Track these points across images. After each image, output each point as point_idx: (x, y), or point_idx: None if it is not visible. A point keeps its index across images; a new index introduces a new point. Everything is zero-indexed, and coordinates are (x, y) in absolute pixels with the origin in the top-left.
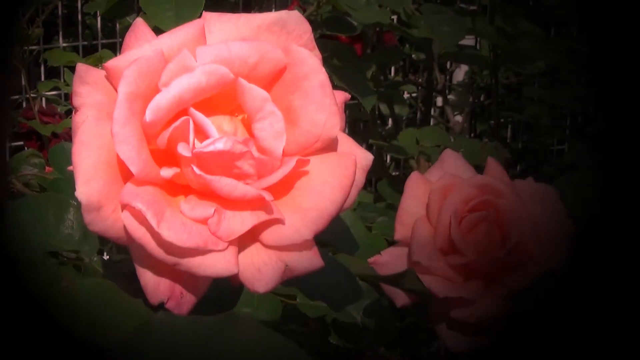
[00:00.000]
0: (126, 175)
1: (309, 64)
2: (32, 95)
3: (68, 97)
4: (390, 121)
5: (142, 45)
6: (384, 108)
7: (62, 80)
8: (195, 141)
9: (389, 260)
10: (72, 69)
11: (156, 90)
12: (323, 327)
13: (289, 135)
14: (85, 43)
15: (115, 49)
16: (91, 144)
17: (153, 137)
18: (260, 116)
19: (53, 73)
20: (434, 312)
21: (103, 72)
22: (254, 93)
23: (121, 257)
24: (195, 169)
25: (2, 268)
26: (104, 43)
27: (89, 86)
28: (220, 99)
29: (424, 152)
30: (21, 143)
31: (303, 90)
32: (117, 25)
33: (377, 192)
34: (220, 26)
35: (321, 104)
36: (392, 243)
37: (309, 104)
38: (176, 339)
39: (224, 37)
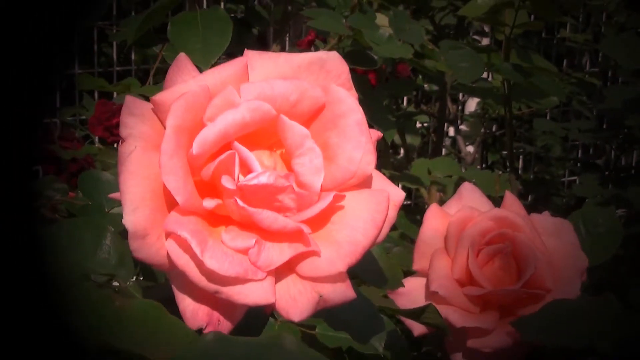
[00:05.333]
0: (170, 204)
1: (347, 103)
2: (52, 120)
3: (85, 122)
4: (402, 150)
5: (186, 80)
6: (396, 138)
7: (78, 105)
8: (239, 175)
9: (408, 290)
10: (90, 94)
11: (201, 124)
12: (338, 354)
13: (326, 171)
14: (101, 70)
15: (130, 76)
16: (138, 174)
17: (197, 168)
18: (300, 152)
19: (68, 98)
20: (450, 342)
21: (149, 105)
22: (295, 130)
23: (148, 283)
24: (239, 201)
25: (46, 288)
26: (119, 70)
27: (136, 118)
28: (259, 134)
29: (436, 182)
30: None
31: (341, 128)
32: (132, 53)
33: None
34: (262, 64)
35: (358, 141)
36: (406, 272)
37: (346, 141)
38: (226, 357)
39: (266, 75)
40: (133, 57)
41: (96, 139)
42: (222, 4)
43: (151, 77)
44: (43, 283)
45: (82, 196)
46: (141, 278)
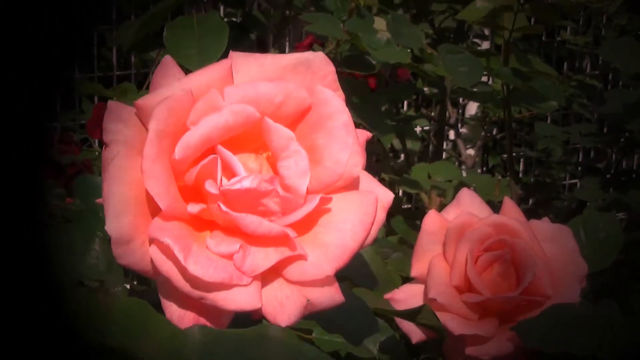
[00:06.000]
0: (154, 209)
1: (333, 104)
2: (52, 124)
3: (84, 126)
4: (402, 155)
5: (170, 83)
6: (395, 142)
7: (78, 109)
8: (223, 179)
9: (406, 297)
10: (90, 98)
11: (184, 128)
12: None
13: (312, 173)
14: (101, 74)
15: (129, 80)
16: (121, 179)
17: (181, 173)
18: (285, 155)
19: (68, 102)
20: (448, 349)
21: (133, 109)
22: (280, 132)
23: (142, 288)
24: (222, 206)
25: (40, 291)
26: (119, 75)
27: (119, 123)
28: (245, 137)
29: (436, 187)
30: None
31: (327, 130)
32: (132, 57)
33: (389, 225)
34: (247, 66)
35: (344, 143)
36: (405, 279)
37: (332, 143)
38: (212, 350)
39: (251, 77)
40: (133, 61)
41: (95, 143)
42: (222, 9)
43: (148, 83)
44: (35, 285)
45: (78, 201)
46: (135, 282)
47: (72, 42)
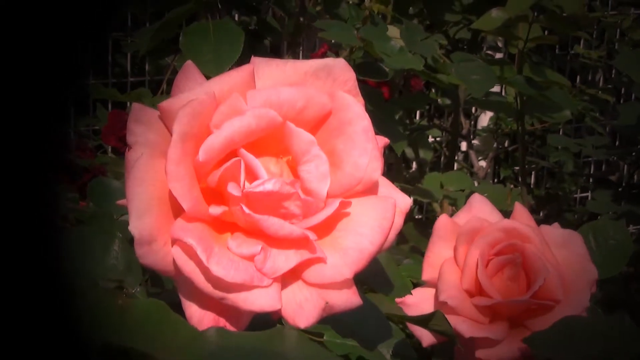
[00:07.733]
0: (176, 210)
1: (353, 109)
2: (67, 130)
3: (98, 132)
4: (414, 164)
5: (193, 87)
6: (408, 152)
7: (92, 115)
8: (245, 181)
9: (417, 301)
10: (104, 105)
11: (207, 131)
12: None
13: (332, 177)
14: (115, 81)
15: (144, 86)
16: (145, 180)
17: (204, 175)
18: (306, 159)
19: (82, 109)
20: (459, 353)
21: (156, 112)
22: (301, 137)
23: (156, 290)
24: (245, 208)
25: (56, 292)
26: (133, 81)
27: (143, 125)
28: (266, 141)
29: (448, 196)
30: None
31: (347, 135)
32: (146, 64)
33: (401, 233)
34: (269, 71)
35: (364, 148)
36: (416, 285)
37: (352, 148)
38: (229, 352)
39: (272, 82)
40: (147, 68)
41: (109, 149)
42: (236, 16)
43: (163, 87)
44: (51, 285)
45: (92, 204)
46: (149, 283)
47: (87, 49)
